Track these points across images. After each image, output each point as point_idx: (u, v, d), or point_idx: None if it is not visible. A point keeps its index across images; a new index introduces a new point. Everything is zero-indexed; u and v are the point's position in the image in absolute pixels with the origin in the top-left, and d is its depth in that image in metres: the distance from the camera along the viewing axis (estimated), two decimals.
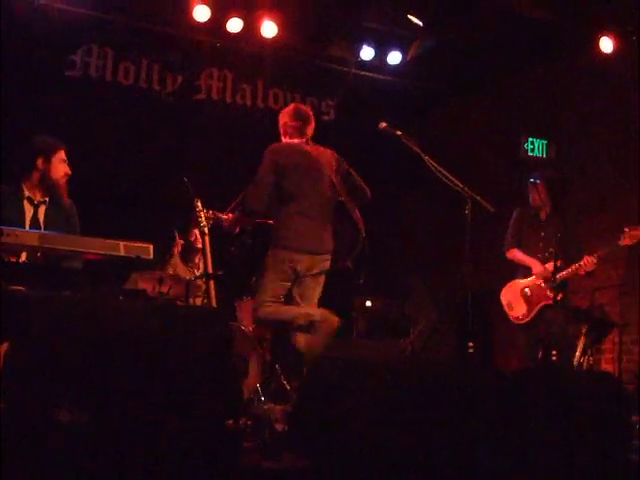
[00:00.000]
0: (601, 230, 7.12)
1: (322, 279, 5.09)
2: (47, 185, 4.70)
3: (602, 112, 7.42)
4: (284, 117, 5.21)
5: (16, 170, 4.75)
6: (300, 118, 5.17)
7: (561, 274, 5.92)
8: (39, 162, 4.68)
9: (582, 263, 5.96)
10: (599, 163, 7.46)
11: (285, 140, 5.21)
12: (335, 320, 4.88)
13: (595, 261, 5.93)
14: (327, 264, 5.05)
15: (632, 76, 6.95)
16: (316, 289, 5.08)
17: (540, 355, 5.96)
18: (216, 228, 5.28)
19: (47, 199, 4.73)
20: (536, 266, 6.17)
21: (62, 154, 4.76)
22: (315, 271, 5.00)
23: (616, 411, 3.93)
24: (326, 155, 5.17)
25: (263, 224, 5.18)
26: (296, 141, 5.15)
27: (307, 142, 5.17)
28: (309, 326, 4.86)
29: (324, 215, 5.04)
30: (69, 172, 4.76)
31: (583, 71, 7.54)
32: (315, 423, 3.53)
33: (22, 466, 2.83)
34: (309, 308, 4.99)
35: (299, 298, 5.05)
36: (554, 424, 3.79)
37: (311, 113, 5.27)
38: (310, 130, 5.20)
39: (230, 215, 5.18)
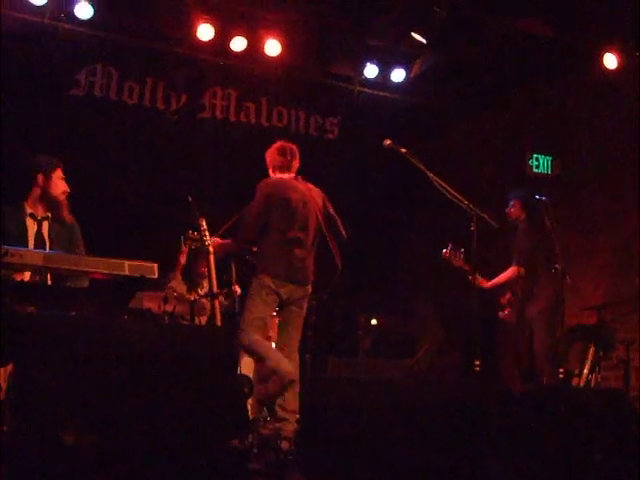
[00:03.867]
0: (602, 249, 7.11)
1: (305, 307, 5.30)
2: (48, 201, 4.78)
3: (605, 129, 7.39)
4: (272, 154, 5.44)
5: (18, 187, 4.83)
6: (285, 154, 5.40)
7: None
8: (39, 179, 4.77)
9: None
10: (600, 182, 7.42)
11: (274, 175, 5.41)
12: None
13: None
14: (308, 292, 5.29)
15: (634, 94, 6.93)
16: (299, 318, 5.30)
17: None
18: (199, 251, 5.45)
19: (49, 215, 4.79)
20: None
21: (60, 172, 4.85)
22: (297, 298, 5.21)
23: (625, 428, 3.91)
24: (315, 192, 5.41)
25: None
26: (285, 176, 5.36)
27: (297, 178, 5.39)
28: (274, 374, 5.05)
29: (308, 247, 5.28)
30: (67, 189, 4.84)
31: (586, 88, 7.52)
32: (321, 442, 3.51)
33: None
34: (285, 363, 5.09)
35: (283, 324, 5.31)
36: (563, 442, 3.75)
37: (296, 149, 5.46)
38: (296, 165, 5.42)
39: (216, 239, 5.33)
